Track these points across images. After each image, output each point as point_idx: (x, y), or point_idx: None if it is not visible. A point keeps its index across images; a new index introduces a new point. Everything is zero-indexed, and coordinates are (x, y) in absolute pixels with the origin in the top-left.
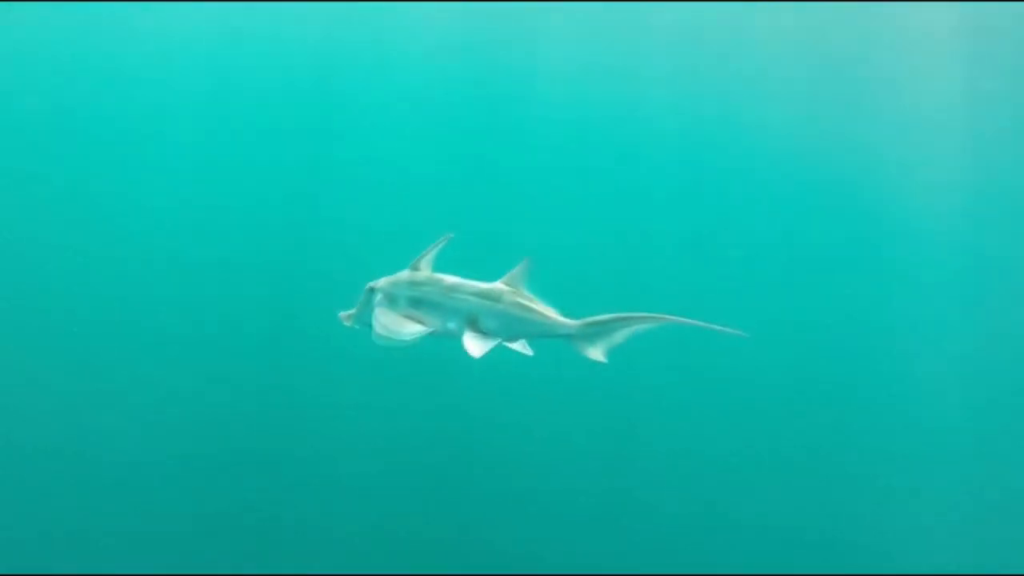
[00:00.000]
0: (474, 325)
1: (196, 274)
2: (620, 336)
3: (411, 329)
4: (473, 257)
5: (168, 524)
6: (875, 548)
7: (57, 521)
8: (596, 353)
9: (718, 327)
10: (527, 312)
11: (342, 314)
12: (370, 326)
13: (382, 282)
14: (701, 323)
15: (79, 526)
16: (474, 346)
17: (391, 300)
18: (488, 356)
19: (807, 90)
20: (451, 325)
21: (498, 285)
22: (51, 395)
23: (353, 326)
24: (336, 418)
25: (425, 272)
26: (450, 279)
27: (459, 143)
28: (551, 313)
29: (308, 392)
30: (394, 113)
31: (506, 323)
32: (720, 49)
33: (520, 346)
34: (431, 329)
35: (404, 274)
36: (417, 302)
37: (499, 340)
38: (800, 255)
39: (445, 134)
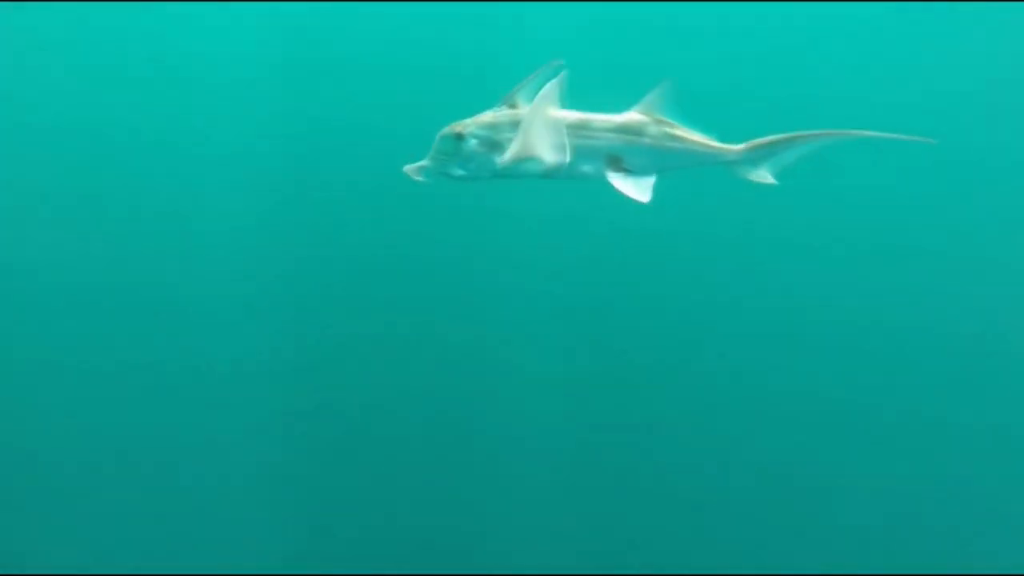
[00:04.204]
0: (616, 165)
1: None
2: (789, 157)
3: (549, 158)
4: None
5: None
6: None
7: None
8: (763, 176)
9: (902, 136)
10: (681, 143)
11: (408, 168)
12: (450, 176)
13: (470, 124)
14: (880, 134)
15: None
16: (634, 189)
17: (492, 147)
18: None
19: None
20: (585, 168)
21: (634, 115)
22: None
23: (427, 180)
24: None
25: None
26: (571, 114)
27: None
28: (707, 141)
29: None
30: None
31: (656, 158)
32: None
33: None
34: (564, 165)
35: (501, 113)
36: None
37: (654, 176)
38: None
39: None
